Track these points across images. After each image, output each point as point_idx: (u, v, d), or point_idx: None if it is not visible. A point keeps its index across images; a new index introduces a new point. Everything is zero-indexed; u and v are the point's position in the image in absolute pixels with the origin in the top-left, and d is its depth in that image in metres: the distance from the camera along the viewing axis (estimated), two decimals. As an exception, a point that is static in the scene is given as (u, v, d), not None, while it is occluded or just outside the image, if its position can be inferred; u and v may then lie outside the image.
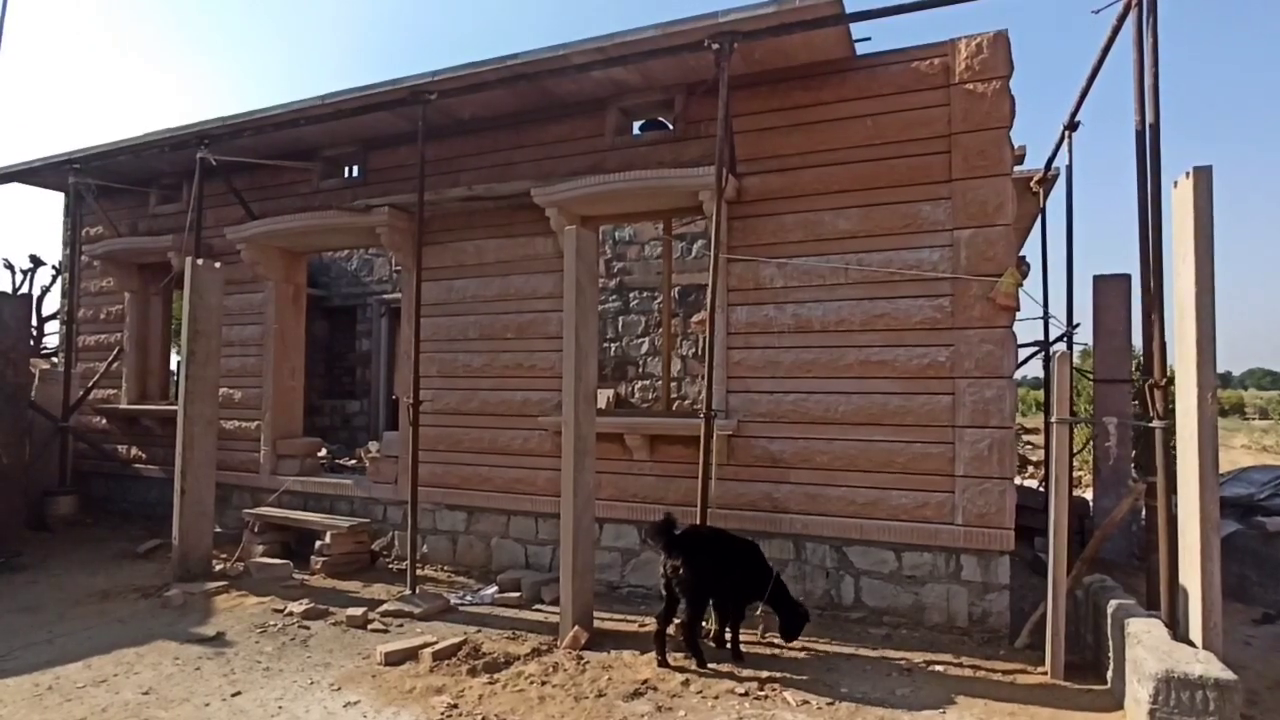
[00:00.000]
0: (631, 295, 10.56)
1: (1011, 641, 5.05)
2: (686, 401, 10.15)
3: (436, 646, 4.73)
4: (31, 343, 12.98)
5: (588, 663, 4.67)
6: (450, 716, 3.96)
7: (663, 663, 4.60)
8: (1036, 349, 7.62)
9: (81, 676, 4.46)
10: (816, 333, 5.71)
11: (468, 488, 6.98)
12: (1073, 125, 6.92)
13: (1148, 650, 3.61)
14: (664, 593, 4.76)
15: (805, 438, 5.70)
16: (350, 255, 12.76)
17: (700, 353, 10.20)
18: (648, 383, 10.44)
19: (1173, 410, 4.16)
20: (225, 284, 8.12)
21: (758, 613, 4.94)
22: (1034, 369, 8.18)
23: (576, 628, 5.01)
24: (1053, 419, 4.63)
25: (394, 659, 4.68)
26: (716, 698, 4.20)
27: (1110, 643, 4.29)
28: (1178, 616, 4.08)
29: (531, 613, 5.86)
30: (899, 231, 5.52)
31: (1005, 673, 4.61)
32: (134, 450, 9.14)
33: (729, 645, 4.83)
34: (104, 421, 9.25)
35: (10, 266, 13.26)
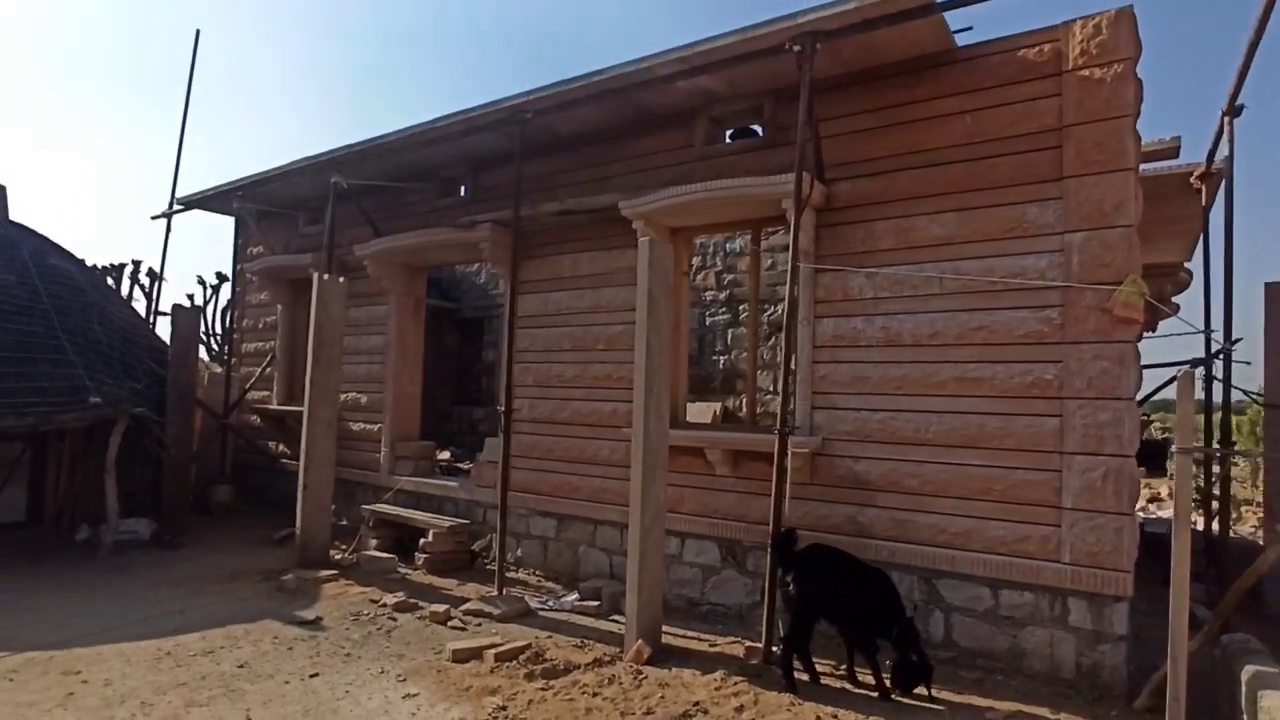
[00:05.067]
0: (742, 308, 10.36)
1: (1129, 701, 4.42)
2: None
3: (501, 648, 4.85)
4: (215, 349, 14.81)
5: (645, 678, 4.60)
6: (496, 718, 4.03)
7: (789, 686, 4.44)
8: (1188, 367, 6.66)
9: (195, 646, 4.98)
10: (907, 346, 5.32)
11: (558, 495, 7.12)
12: (1234, 110, 6.06)
13: (1273, 728, 3.02)
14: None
15: (893, 459, 5.32)
16: (479, 269, 13.48)
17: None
18: (756, 397, 10.17)
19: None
20: (355, 297, 8.86)
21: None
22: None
23: (640, 642, 4.96)
24: (1174, 448, 4.01)
25: (460, 656, 4.85)
26: (768, 729, 3.99)
27: (1245, 716, 3.64)
28: (1331, 691, 3.40)
29: (607, 623, 5.87)
30: (1001, 236, 5.03)
31: (1112, 737, 4.04)
32: (281, 447, 10.15)
33: (852, 678, 4.66)
34: (257, 420, 10.34)
35: (203, 282, 15.22)
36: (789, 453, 5.16)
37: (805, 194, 5.34)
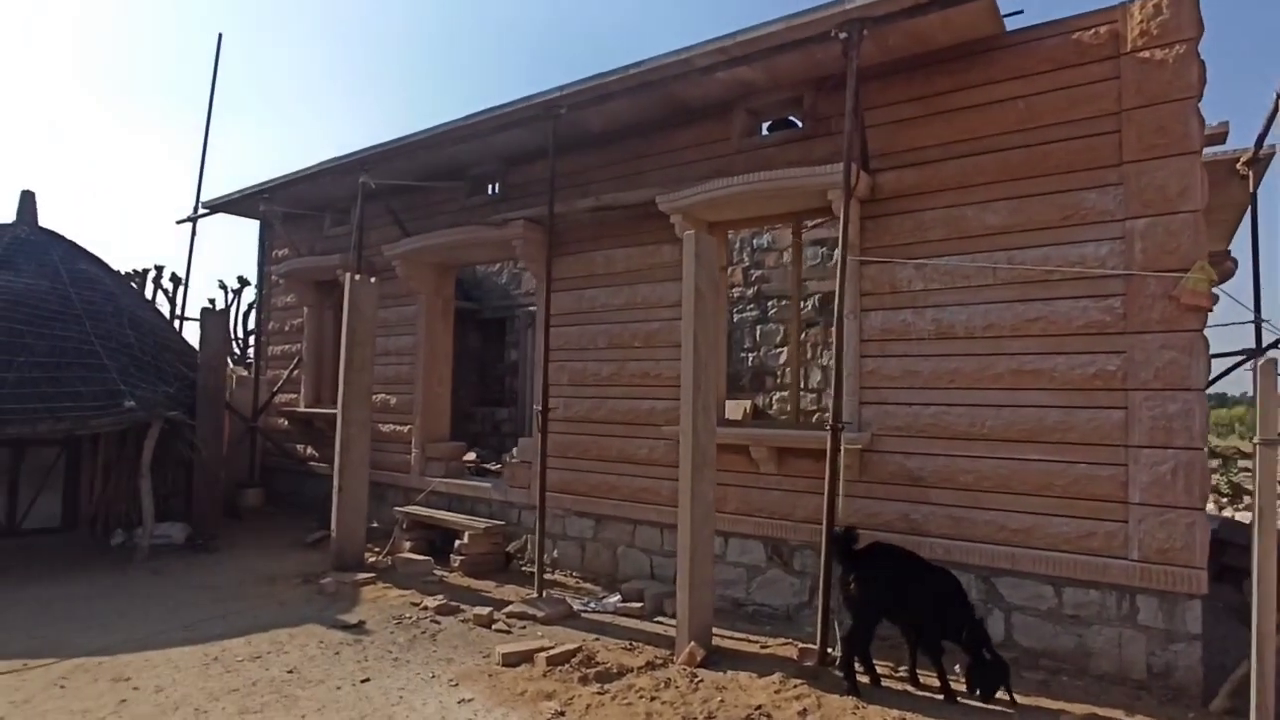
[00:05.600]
0: (769, 303, 10.24)
1: (1205, 703, 4.27)
2: (827, 414, 9.65)
3: (552, 651, 4.75)
4: (237, 352, 14.81)
5: (701, 681, 4.49)
6: (555, 724, 3.94)
7: (851, 689, 4.33)
8: (1244, 359, 6.50)
9: (242, 651, 4.91)
10: (960, 339, 5.19)
11: (596, 495, 7.03)
12: (1292, 94, 5.88)
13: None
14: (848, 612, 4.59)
15: (947, 454, 5.19)
16: (501, 269, 13.41)
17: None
18: (787, 394, 10.06)
19: None
20: (383, 298, 8.79)
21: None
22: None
23: (692, 644, 4.85)
24: (1255, 439, 3.87)
25: (511, 660, 4.76)
26: (834, 733, 3.88)
27: (1336, 716, 3.50)
28: None
29: (652, 624, 5.77)
30: (1058, 224, 4.90)
31: (1192, 739, 3.90)
32: (309, 449, 10.11)
33: (914, 679, 4.54)
34: (285, 423, 10.30)
35: (224, 286, 15.23)
36: (842, 449, 5.04)
37: (851, 185, 5.23)
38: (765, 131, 6.50)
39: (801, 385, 10.00)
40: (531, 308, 13.14)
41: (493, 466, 10.54)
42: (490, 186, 8.49)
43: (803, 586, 5.81)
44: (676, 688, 4.38)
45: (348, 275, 7.27)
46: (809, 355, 9.90)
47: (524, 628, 5.58)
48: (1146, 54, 4.67)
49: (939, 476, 5.22)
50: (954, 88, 5.34)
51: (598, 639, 5.31)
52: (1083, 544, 4.69)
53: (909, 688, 4.50)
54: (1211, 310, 4.45)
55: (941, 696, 4.31)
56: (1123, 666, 4.55)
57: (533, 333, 13.24)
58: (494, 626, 5.54)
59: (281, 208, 9.64)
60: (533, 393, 13.25)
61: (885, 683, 4.55)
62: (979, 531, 5.04)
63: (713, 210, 6.19)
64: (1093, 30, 4.88)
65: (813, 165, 5.72)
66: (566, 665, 4.65)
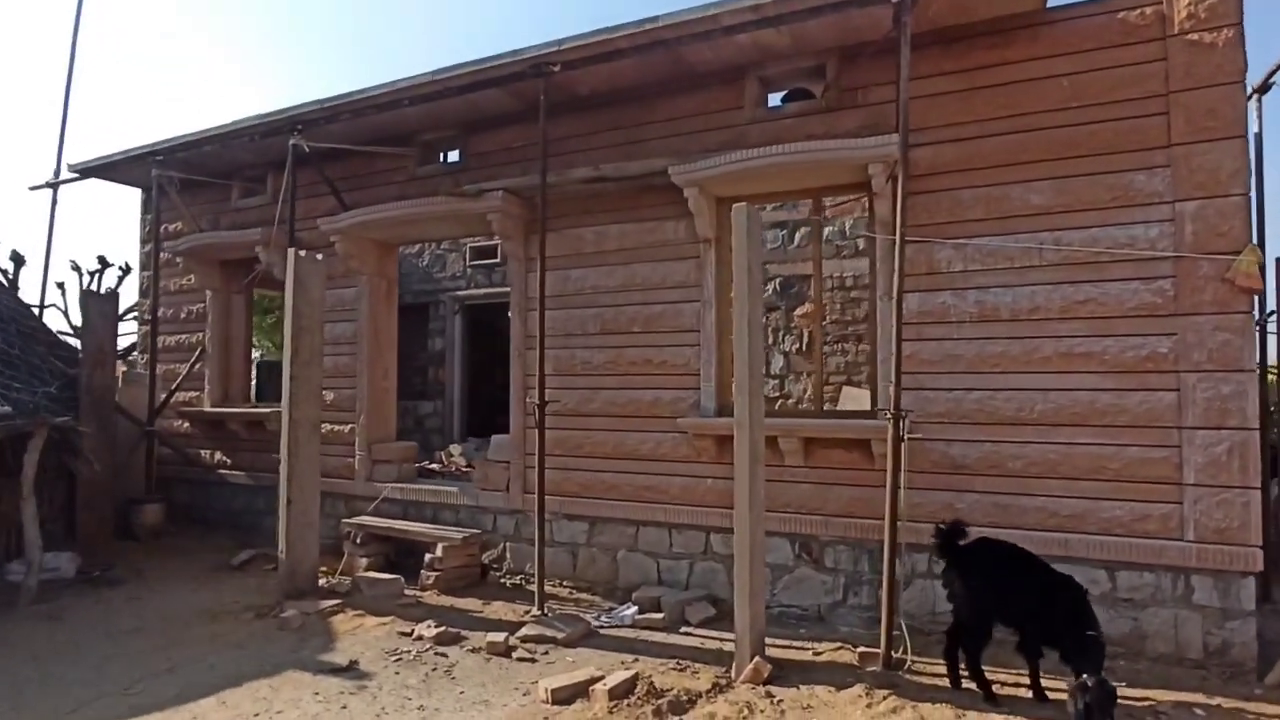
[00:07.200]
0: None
1: (1260, 678, 4.36)
2: (790, 400, 9.52)
3: (609, 684, 4.15)
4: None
5: (782, 702, 4.08)
6: (656, 772, 3.39)
7: (955, 686, 4.15)
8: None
9: (219, 716, 3.96)
10: (1004, 321, 5.06)
11: (590, 496, 6.41)
12: (1264, 88, 6.20)
13: None
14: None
15: (992, 440, 5.05)
16: (422, 251, 12.29)
17: (804, 349, 9.56)
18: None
19: None
20: (317, 279, 7.66)
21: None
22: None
23: (757, 659, 4.43)
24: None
25: (561, 697, 4.13)
26: (953, 748, 3.58)
27: None
28: None
29: (680, 637, 5.29)
30: (1106, 205, 4.84)
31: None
32: (218, 455, 8.73)
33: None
34: (186, 425, 8.85)
35: (77, 268, 13.02)
36: (906, 438, 4.76)
37: (893, 159, 4.95)
38: (776, 102, 6.10)
39: (763, 372, 9.81)
40: (459, 292, 12.15)
41: (429, 465, 9.60)
42: (444, 155, 7.58)
43: (835, 585, 5.53)
44: (762, 713, 3.94)
45: (291, 251, 6.18)
46: (770, 341, 9.70)
47: (546, 653, 4.94)
48: (1195, 37, 4.66)
49: (984, 464, 5.07)
50: (995, 62, 5.16)
51: (637, 659, 4.77)
52: (1137, 527, 4.68)
53: (1014, 692, 4.27)
54: (1263, 291, 4.53)
55: (1031, 694, 4.12)
56: (1179, 647, 4.59)
57: (460, 319, 12.28)
58: (515, 655, 4.84)
59: (178, 174, 8.18)
60: (461, 385, 12.34)
61: (965, 685, 4.32)
62: (1028, 519, 4.94)
63: (732, 184, 5.72)
64: (1138, 10, 4.83)
65: (838, 139, 5.40)
66: (631, 698, 4.09)
